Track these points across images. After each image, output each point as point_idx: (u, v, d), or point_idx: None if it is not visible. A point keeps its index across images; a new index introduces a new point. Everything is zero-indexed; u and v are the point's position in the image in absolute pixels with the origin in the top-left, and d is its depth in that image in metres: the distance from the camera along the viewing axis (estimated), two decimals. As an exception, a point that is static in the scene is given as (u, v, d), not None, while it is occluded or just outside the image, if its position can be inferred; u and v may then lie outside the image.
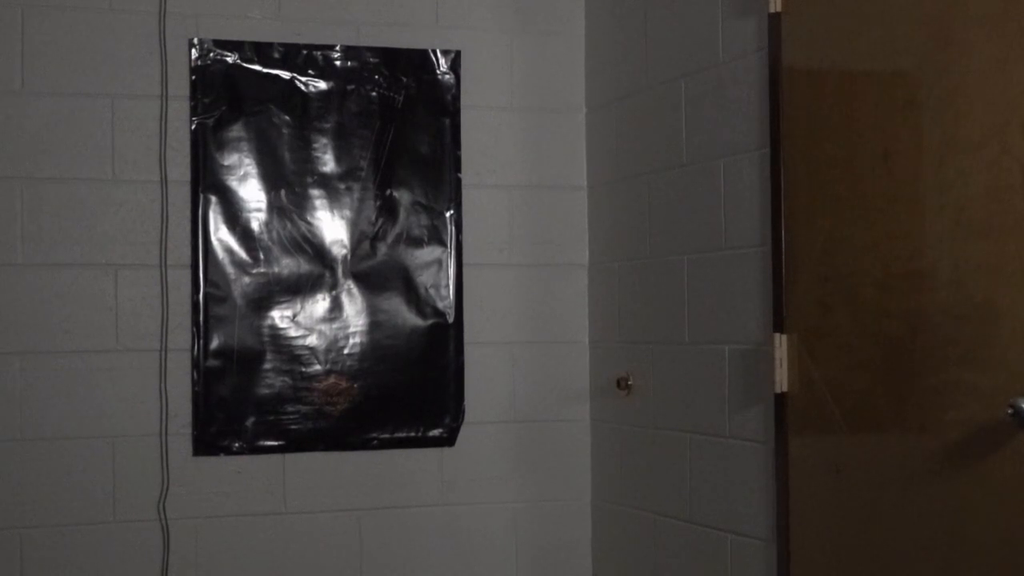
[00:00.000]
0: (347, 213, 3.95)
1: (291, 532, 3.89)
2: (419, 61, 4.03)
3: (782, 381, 3.11)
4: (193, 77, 3.84)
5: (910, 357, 2.75)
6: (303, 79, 3.93)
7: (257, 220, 3.87)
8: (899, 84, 2.80)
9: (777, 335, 3.12)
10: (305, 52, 3.93)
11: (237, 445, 3.84)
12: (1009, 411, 2.47)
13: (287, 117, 3.91)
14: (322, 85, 3.94)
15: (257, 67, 3.89)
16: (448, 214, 4.04)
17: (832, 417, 2.98)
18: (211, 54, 3.85)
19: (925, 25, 2.71)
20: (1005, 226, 2.51)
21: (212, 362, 3.82)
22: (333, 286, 3.93)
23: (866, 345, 2.88)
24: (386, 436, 3.96)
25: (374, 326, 3.96)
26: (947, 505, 2.65)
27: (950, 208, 2.64)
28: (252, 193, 3.87)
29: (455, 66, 4.06)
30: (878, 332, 2.84)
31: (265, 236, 3.88)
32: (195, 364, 3.81)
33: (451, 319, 4.03)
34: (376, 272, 3.97)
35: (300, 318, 3.90)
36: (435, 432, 4.01)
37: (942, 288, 2.66)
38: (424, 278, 4.01)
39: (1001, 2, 2.52)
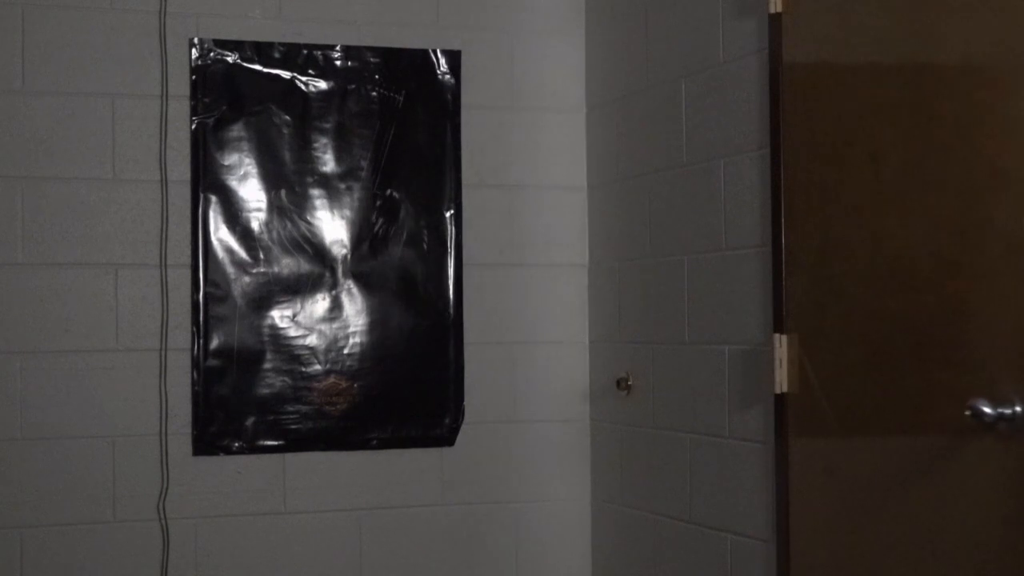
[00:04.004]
0: (347, 213, 3.95)
1: (291, 532, 3.89)
2: (419, 61, 4.03)
3: (782, 381, 3.11)
4: (193, 77, 3.84)
5: (907, 358, 2.75)
6: (303, 79, 3.93)
7: (257, 220, 3.87)
8: (899, 84, 2.80)
9: (777, 335, 3.12)
10: (305, 52, 3.93)
11: (237, 445, 3.84)
12: (967, 412, 2.48)
13: (287, 117, 3.91)
14: (322, 85, 3.94)
15: (257, 67, 3.89)
16: (448, 214, 4.04)
17: (831, 418, 2.98)
18: (211, 54, 3.85)
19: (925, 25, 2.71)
20: (977, 228, 2.53)
21: (212, 362, 3.82)
22: (333, 286, 3.93)
23: (866, 345, 2.88)
24: (386, 436, 3.96)
25: (374, 326, 3.96)
26: (930, 506, 2.66)
27: (941, 208, 2.65)
28: (252, 193, 3.87)
29: (455, 66, 4.06)
30: (878, 333, 2.84)
31: (265, 236, 3.88)
32: (195, 364, 3.81)
33: (451, 319, 4.03)
34: (376, 272, 3.97)
35: (300, 318, 3.90)
36: (435, 432, 4.01)
37: (933, 289, 2.67)
38: (424, 278, 4.01)
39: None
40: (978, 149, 2.54)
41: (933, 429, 2.66)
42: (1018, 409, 2.43)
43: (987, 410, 2.47)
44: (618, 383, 3.91)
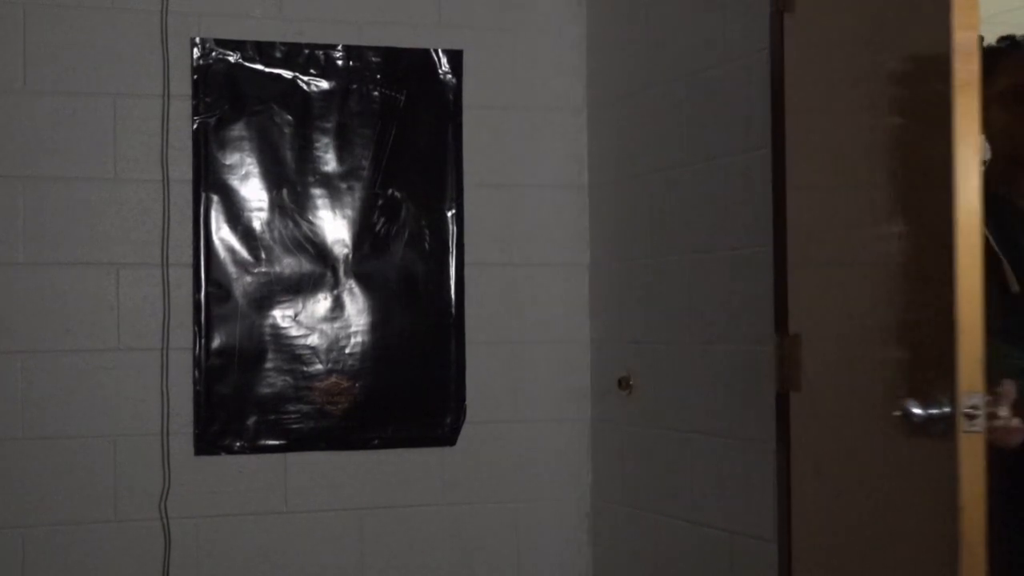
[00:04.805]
0: (349, 212, 3.95)
1: (292, 531, 3.89)
2: (421, 61, 4.04)
3: (782, 381, 3.11)
4: (195, 76, 3.84)
5: (889, 358, 2.75)
6: (305, 78, 3.93)
7: (259, 219, 3.88)
8: (900, 84, 2.80)
9: (777, 335, 3.12)
10: (307, 51, 3.94)
11: (238, 444, 3.84)
12: (898, 413, 2.48)
13: (289, 116, 3.91)
14: (324, 84, 3.95)
15: (259, 66, 3.89)
16: (449, 213, 4.04)
17: (832, 417, 2.98)
18: (213, 53, 3.86)
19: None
20: (929, 228, 2.55)
21: (213, 361, 3.82)
22: (335, 285, 3.93)
23: (863, 346, 2.88)
24: (387, 436, 3.97)
25: (375, 325, 3.96)
26: (912, 507, 2.68)
27: (913, 208, 2.66)
28: (254, 192, 3.88)
29: (456, 66, 4.07)
30: (873, 332, 2.84)
31: (267, 235, 3.88)
32: (196, 363, 3.81)
33: (452, 319, 4.03)
34: (377, 271, 3.97)
35: (301, 317, 3.90)
36: (436, 432, 4.01)
37: (908, 290, 2.68)
38: (425, 278, 4.01)
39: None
40: (932, 148, 2.54)
41: (899, 429, 2.66)
42: (947, 410, 2.42)
43: (917, 411, 2.46)
44: (619, 383, 3.91)
